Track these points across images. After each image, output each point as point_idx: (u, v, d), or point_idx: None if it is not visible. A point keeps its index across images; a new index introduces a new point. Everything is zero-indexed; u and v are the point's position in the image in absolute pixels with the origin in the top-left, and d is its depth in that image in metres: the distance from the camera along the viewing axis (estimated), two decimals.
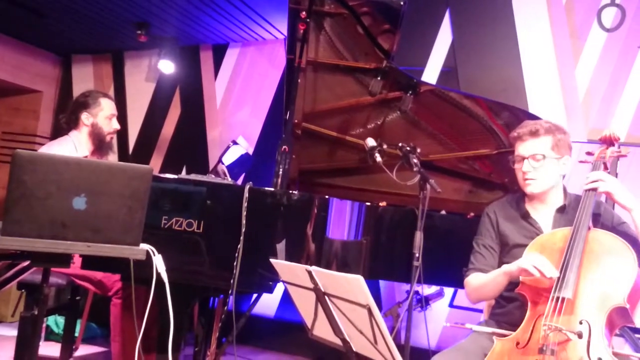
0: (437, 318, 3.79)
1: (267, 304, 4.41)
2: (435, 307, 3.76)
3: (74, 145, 3.04)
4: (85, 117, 3.09)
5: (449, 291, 3.95)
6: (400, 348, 2.66)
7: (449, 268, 2.79)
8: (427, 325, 3.04)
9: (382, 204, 3.07)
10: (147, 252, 1.90)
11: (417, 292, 3.42)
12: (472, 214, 3.13)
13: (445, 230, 2.95)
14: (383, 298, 4.21)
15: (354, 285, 1.55)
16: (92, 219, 1.79)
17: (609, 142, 2.29)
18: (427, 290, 3.62)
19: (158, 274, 1.96)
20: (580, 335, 1.82)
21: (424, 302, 3.46)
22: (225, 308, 2.52)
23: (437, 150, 3.30)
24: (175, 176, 2.51)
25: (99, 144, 3.11)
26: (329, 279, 1.66)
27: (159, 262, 1.95)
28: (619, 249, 1.99)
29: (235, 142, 3.48)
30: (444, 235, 2.92)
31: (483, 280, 2.23)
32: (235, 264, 2.33)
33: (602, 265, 1.98)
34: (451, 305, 4.02)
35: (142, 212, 1.85)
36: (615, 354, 1.85)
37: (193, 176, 2.56)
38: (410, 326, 2.55)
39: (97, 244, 1.80)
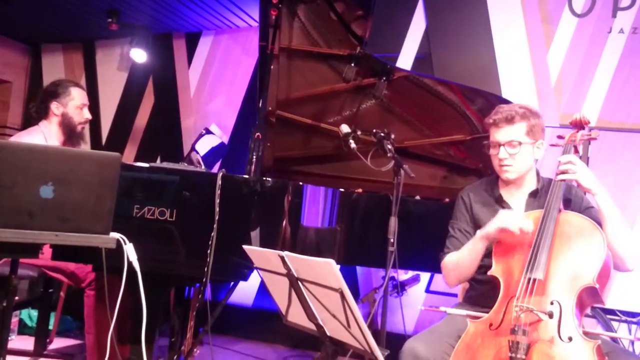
0: (413, 303, 3.82)
1: (245, 293, 4.40)
2: (412, 293, 3.79)
3: (43, 136, 2.98)
4: (55, 107, 3.03)
5: (425, 277, 3.99)
6: (377, 333, 2.69)
7: (424, 253, 2.81)
8: (402, 311, 3.07)
9: (358, 191, 3.07)
10: (118, 240, 1.87)
11: (393, 278, 3.45)
12: (447, 199, 3.15)
13: (420, 216, 2.96)
14: (360, 284, 4.22)
15: (326, 269, 1.55)
16: (60, 207, 1.76)
17: (579, 125, 2.31)
18: (404, 276, 3.64)
19: (130, 263, 1.93)
20: (551, 315, 1.84)
21: (400, 287, 3.49)
22: (201, 297, 2.49)
23: (412, 136, 3.30)
24: (147, 164, 2.48)
25: (70, 134, 3.05)
26: (302, 263, 1.65)
27: (130, 251, 1.92)
28: (589, 230, 2.02)
29: (208, 130, 3.45)
30: (419, 220, 2.94)
31: (460, 255, 2.23)
32: (208, 252, 2.31)
33: (573, 246, 2.00)
34: (427, 290, 4.06)
35: (111, 200, 1.82)
36: (585, 333, 1.88)
37: (165, 164, 2.52)
38: (385, 311, 2.57)
39: (66, 233, 1.78)
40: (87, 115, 3.14)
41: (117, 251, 1.91)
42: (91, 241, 1.82)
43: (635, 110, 3.73)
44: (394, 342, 2.17)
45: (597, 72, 3.83)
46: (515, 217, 2.01)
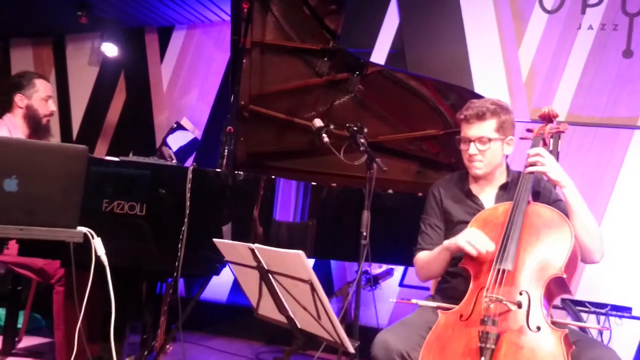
0: (387, 297, 3.84)
1: (219, 289, 4.38)
2: (386, 287, 3.80)
3: (7, 129, 2.92)
4: (19, 99, 2.97)
5: (399, 271, 4.00)
6: (350, 326, 2.69)
7: (398, 247, 2.83)
8: (375, 304, 3.08)
9: (333, 185, 3.07)
10: (86, 235, 1.84)
11: (366, 272, 3.46)
12: (420, 193, 3.16)
13: (393, 210, 2.98)
14: (334, 278, 4.23)
15: (296, 261, 1.55)
16: (24, 201, 1.73)
17: (547, 118, 2.34)
18: (378, 270, 3.65)
19: (98, 258, 1.90)
20: (519, 305, 1.86)
21: (373, 281, 3.50)
22: (172, 292, 2.47)
23: (386, 131, 3.32)
24: (116, 158, 2.44)
25: (35, 126, 2.99)
26: (272, 256, 1.65)
27: (98, 245, 1.89)
28: (557, 221, 2.05)
29: (179, 124, 3.41)
30: (393, 214, 2.95)
31: (428, 258, 2.27)
32: (179, 246, 2.28)
33: (541, 238, 2.03)
34: (401, 284, 4.08)
35: (78, 194, 1.79)
36: (554, 323, 1.90)
37: (135, 158, 2.49)
38: (358, 305, 2.57)
39: (31, 227, 1.74)
40: (52, 107, 3.08)
41: (86, 246, 1.88)
42: (58, 235, 1.79)
43: (604, 105, 3.80)
44: (367, 335, 2.18)
45: (567, 67, 3.88)
46: (474, 237, 2.02)
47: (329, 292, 3.84)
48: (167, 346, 3.00)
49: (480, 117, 2.23)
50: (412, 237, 2.41)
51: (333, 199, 2.84)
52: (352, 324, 2.50)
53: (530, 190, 2.14)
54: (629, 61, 3.78)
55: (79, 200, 1.79)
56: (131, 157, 2.54)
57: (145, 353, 2.81)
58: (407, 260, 2.52)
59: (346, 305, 3.05)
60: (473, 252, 1.99)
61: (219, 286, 4.34)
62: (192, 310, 2.80)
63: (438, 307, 2.11)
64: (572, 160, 3.74)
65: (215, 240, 1.89)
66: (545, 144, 2.29)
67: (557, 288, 2.01)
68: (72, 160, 1.78)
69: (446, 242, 2.14)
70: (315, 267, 4.22)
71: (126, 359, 2.83)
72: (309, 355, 3.34)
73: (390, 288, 3.98)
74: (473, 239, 2.00)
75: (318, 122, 2.83)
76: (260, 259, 1.69)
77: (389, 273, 3.61)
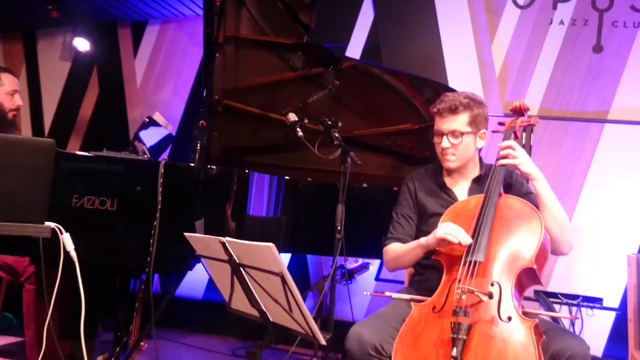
0: (363, 291, 3.85)
1: (194, 285, 4.35)
2: (362, 281, 3.81)
3: None
4: None
5: (375, 265, 4.02)
6: (325, 321, 2.70)
7: (373, 241, 2.82)
8: (350, 298, 3.09)
9: (307, 179, 3.06)
10: (54, 230, 1.81)
11: (342, 266, 3.47)
12: (395, 187, 3.17)
13: (369, 204, 2.98)
14: (311, 273, 4.23)
15: (266, 253, 1.54)
16: None
17: (518, 112, 2.37)
18: (354, 264, 3.66)
19: (67, 254, 1.87)
20: (490, 296, 1.88)
21: (349, 275, 3.50)
22: (144, 289, 2.45)
23: (361, 126, 3.32)
24: (86, 153, 2.41)
25: (1, 121, 2.93)
26: (243, 249, 1.64)
27: (67, 241, 1.86)
28: (527, 213, 2.07)
29: (151, 118, 3.37)
30: (368, 208, 2.95)
31: (401, 251, 2.27)
32: (151, 241, 2.26)
33: (512, 229, 2.05)
34: (377, 278, 4.10)
35: (45, 188, 1.76)
36: (525, 313, 1.93)
37: (106, 153, 2.46)
38: (333, 299, 2.57)
39: None
40: (18, 101, 3.02)
41: (56, 242, 1.85)
42: (25, 231, 1.75)
43: (575, 99, 3.86)
44: (343, 329, 2.18)
45: (539, 62, 3.93)
46: (452, 229, 2.03)
47: (306, 287, 3.84)
48: (142, 343, 2.96)
49: (453, 110, 2.24)
50: (387, 231, 2.42)
51: (307, 193, 2.83)
52: (328, 319, 2.50)
53: (502, 182, 2.16)
54: (599, 56, 3.84)
55: (46, 195, 1.76)
56: (102, 152, 2.50)
57: (118, 350, 2.78)
58: (382, 254, 2.53)
59: (321, 300, 3.05)
60: (455, 242, 1.99)
61: (194, 283, 4.31)
62: (168, 307, 2.76)
63: (411, 300, 2.12)
64: (544, 154, 3.79)
65: (186, 234, 1.88)
66: (516, 137, 2.32)
67: (527, 279, 2.03)
68: (38, 154, 1.74)
69: (422, 240, 2.14)
70: (291, 262, 4.22)
71: (99, 356, 2.80)
72: (284, 350, 3.35)
73: (366, 282, 4.00)
74: (452, 230, 2.01)
75: (292, 117, 2.82)
76: (232, 252, 1.68)
77: (364, 267, 3.63)
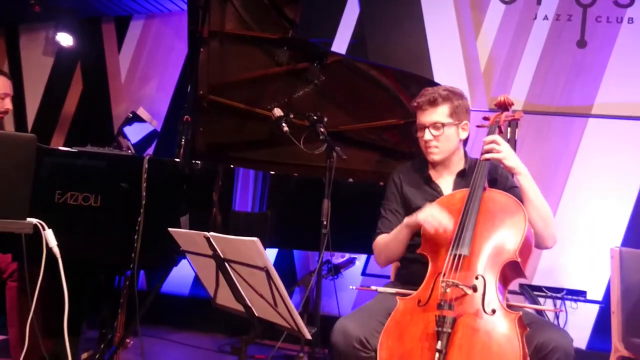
0: (350, 286, 3.86)
1: (181, 281, 4.33)
2: (348, 276, 3.83)
3: None
4: None
5: (362, 260, 4.03)
6: (311, 315, 2.70)
7: (360, 235, 2.83)
8: (336, 293, 3.09)
9: (293, 174, 3.06)
10: (36, 226, 1.79)
11: (328, 261, 3.47)
12: (381, 182, 3.18)
13: (355, 199, 2.99)
14: (298, 268, 4.23)
15: (251, 248, 1.54)
16: None
17: (503, 106, 2.37)
18: (340, 259, 3.66)
19: (50, 250, 1.85)
20: (475, 289, 1.89)
21: (335, 270, 3.51)
22: (128, 285, 2.43)
23: (347, 121, 3.32)
24: (68, 149, 2.38)
25: None
26: (227, 244, 1.63)
27: (49, 237, 1.84)
28: (511, 207, 2.08)
29: (134, 113, 3.35)
30: (355, 203, 2.96)
31: (388, 239, 2.28)
32: (135, 237, 2.24)
33: (497, 223, 2.06)
34: (364, 273, 4.11)
35: (27, 184, 1.74)
36: (509, 306, 1.94)
37: (89, 148, 2.43)
38: (320, 294, 2.58)
39: None
40: (7, 105, 2.98)
41: (40, 239, 1.83)
42: (6, 227, 1.73)
43: (559, 94, 3.88)
44: (329, 324, 2.18)
45: (524, 57, 3.96)
46: (435, 212, 2.04)
47: (292, 282, 3.84)
48: (128, 340, 2.94)
49: (433, 103, 2.25)
50: (373, 226, 2.42)
51: (293, 189, 2.83)
52: (314, 313, 2.50)
53: (486, 176, 2.17)
54: (583, 51, 3.88)
55: (28, 190, 1.74)
56: (86, 148, 2.48)
57: (102, 346, 2.76)
58: (368, 249, 2.53)
59: (308, 295, 3.05)
60: (431, 229, 2.00)
61: (181, 279, 4.30)
62: (154, 304, 2.75)
63: (397, 293, 2.12)
64: (529, 149, 3.82)
65: (170, 229, 1.87)
66: (501, 132, 2.32)
67: (512, 272, 2.04)
68: (19, 150, 1.72)
69: (406, 219, 2.16)
70: (278, 257, 4.21)
71: (84, 354, 2.78)
72: (271, 345, 3.34)
73: (353, 277, 4.01)
74: (435, 213, 2.02)
75: (278, 112, 2.81)
76: (216, 247, 1.67)
77: (351, 262, 3.63)
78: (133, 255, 2.25)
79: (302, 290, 3.61)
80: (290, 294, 3.69)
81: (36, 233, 1.83)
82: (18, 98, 4.99)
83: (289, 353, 3.58)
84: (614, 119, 3.79)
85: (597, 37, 3.86)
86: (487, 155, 2.16)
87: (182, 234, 1.84)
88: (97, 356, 2.73)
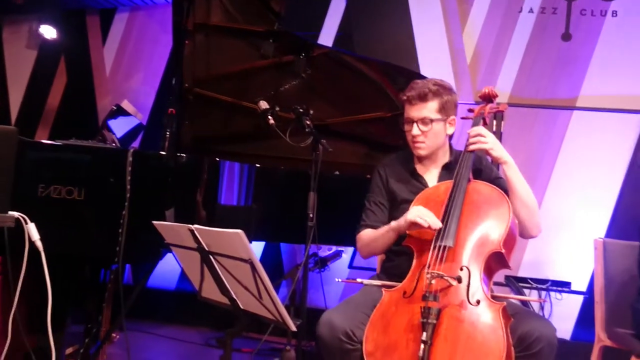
0: (336, 279, 3.86)
1: (167, 276, 4.32)
2: (335, 269, 3.83)
3: None
4: None
5: (349, 253, 4.03)
6: (297, 308, 2.70)
7: (346, 228, 2.82)
8: (323, 286, 3.10)
9: (279, 167, 3.05)
10: (18, 219, 1.77)
11: (315, 254, 3.47)
12: (368, 175, 3.18)
13: (342, 192, 2.99)
14: (285, 261, 4.23)
15: (235, 240, 1.53)
16: None
17: (487, 98, 2.38)
18: (327, 252, 3.67)
19: (32, 244, 1.84)
20: (459, 280, 1.90)
21: (321, 263, 3.51)
22: (113, 279, 2.41)
23: (334, 114, 3.31)
24: (51, 142, 2.36)
25: None
26: (211, 236, 1.63)
27: (32, 231, 1.83)
28: (495, 198, 2.09)
29: (118, 106, 3.32)
30: (341, 196, 2.96)
31: (373, 236, 2.28)
32: (120, 231, 2.23)
33: (481, 214, 2.07)
34: (350, 266, 4.12)
35: (8, 177, 1.72)
36: (494, 297, 1.95)
37: (73, 142, 2.41)
38: (306, 286, 2.58)
39: None
40: None
41: (23, 233, 1.81)
42: None
43: (544, 87, 3.91)
44: (315, 317, 2.18)
45: (509, 50, 3.97)
46: (423, 212, 2.04)
47: (279, 275, 3.84)
48: (113, 335, 2.93)
49: (423, 97, 2.25)
50: (359, 219, 2.42)
51: (279, 182, 2.82)
52: (300, 306, 2.50)
53: (471, 168, 2.18)
54: (568, 44, 3.90)
55: (9, 183, 1.73)
56: (69, 141, 2.45)
57: (87, 341, 2.74)
58: (355, 242, 2.54)
59: (294, 288, 3.05)
60: (425, 225, 2.00)
61: (167, 273, 4.28)
62: (140, 298, 2.74)
63: (382, 286, 2.13)
64: (514, 141, 3.83)
65: (154, 222, 1.85)
66: (485, 123, 2.32)
67: (496, 263, 2.05)
68: (0, 143, 1.70)
69: (393, 223, 2.15)
70: (265, 251, 4.21)
71: (68, 348, 2.76)
72: (258, 338, 3.34)
73: (339, 270, 4.01)
74: (423, 214, 2.03)
75: (264, 105, 2.80)
76: (200, 239, 1.67)
77: (337, 255, 3.64)
78: (117, 249, 2.24)
79: (289, 284, 3.60)
80: (277, 287, 3.69)
81: (19, 227, 1.81)
82: (1, 92, 4.94)
83: (276, 346, 3.58)
84: (598, 111, 3.82)
85: (582, 30, 3.88)
86: (472, 147, 2.17)
87: (166, 226, 1.83)
88: (82, 351, 2.71)
